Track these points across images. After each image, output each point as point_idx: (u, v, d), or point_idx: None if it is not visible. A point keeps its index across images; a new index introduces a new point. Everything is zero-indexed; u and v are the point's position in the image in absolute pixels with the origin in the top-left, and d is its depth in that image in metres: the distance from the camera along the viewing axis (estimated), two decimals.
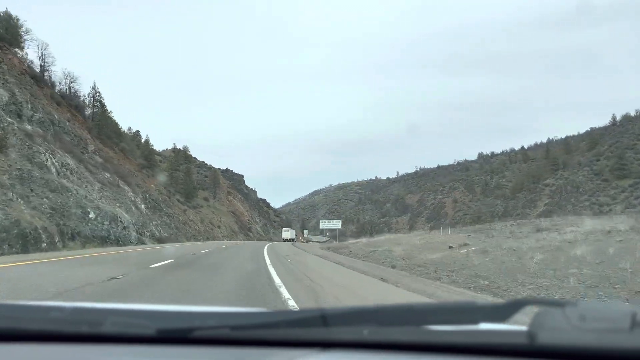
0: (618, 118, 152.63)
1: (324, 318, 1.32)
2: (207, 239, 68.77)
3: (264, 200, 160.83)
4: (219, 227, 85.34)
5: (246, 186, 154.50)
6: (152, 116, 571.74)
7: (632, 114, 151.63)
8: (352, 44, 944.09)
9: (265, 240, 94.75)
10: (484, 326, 1.26)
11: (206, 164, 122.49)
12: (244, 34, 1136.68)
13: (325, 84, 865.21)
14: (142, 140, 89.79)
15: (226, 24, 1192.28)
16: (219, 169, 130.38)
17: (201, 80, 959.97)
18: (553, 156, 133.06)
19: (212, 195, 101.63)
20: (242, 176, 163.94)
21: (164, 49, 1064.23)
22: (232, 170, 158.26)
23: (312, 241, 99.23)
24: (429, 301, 7.03)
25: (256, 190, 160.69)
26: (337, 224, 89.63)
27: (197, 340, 1.35)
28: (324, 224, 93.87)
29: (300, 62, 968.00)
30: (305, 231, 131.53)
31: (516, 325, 1.26)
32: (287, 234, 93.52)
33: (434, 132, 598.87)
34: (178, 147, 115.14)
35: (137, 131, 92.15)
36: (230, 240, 79.11)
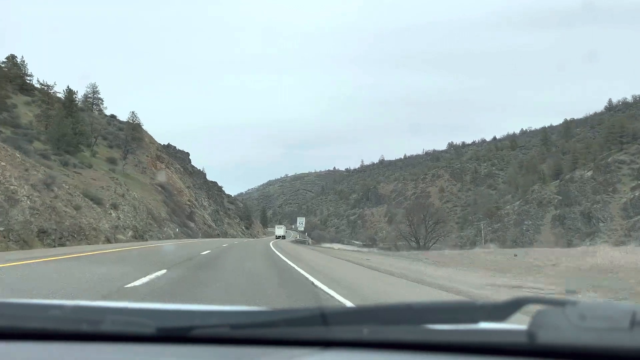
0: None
1: (324, 317, 1.35)
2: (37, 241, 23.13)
3: (215, 184, 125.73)
4: (114, 208, 40.45)
5: (192, 166, 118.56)
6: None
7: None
8: (316, 36, 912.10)
9: (218, 235, 60.33)
10: (484, 325, 1.29)
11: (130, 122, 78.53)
12: (202, 19, 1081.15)
13: (273, 75, 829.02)
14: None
15: (183, 7, 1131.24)
16: (159, 144, 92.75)
17: (150, 63, 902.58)
18: (620, 124, 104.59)
19: (123, 156, 62.30)
20: (187, 154, 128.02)
21: (115, 24, 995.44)
22: (175, 147, 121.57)
23: (329, 245, 65.16)
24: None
25: (205, 172, 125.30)
26: None
27: (197, 339, 1.38)
28: None
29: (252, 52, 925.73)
30: (301, 218, 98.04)
31: (516, 325, 1.28)
32: (280, 230, 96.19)
33: (392, 127, 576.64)
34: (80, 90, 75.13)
35: (12, 55, 56.81)
36: (132, 242, 30.03)
